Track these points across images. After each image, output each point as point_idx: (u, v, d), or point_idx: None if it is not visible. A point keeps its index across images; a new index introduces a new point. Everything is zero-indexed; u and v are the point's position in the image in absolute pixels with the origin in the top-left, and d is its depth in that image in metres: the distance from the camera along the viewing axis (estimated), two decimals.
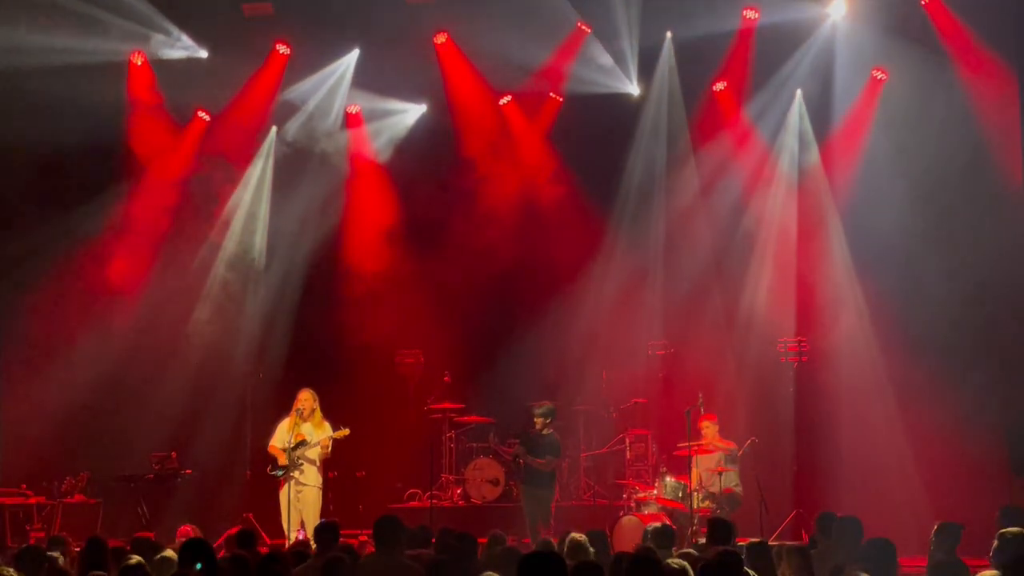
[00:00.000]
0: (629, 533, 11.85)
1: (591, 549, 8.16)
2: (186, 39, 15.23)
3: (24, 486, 14.55)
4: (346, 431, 13.10)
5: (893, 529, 8.17)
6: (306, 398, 13.23)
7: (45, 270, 15.42)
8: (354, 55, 15.91)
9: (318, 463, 13.13)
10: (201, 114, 16.10)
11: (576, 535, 8.41)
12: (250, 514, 14.23)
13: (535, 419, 13.26)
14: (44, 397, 14.83)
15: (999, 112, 13.97)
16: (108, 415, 15.56)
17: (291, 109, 16.27)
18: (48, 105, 14.37)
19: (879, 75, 14.83)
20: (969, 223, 14.09)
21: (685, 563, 6.79)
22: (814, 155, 15.36)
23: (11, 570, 7.48)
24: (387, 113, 16.52)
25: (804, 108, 15.43)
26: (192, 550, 6.98)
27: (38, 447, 14.74)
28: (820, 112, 15.38)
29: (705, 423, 13.44)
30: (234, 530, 10.34)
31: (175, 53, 15.27)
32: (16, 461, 14.77)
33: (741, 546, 8.08)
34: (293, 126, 16.33)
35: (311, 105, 16.19)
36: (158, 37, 15.09)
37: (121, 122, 15.52)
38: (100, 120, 14.92)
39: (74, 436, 15.35)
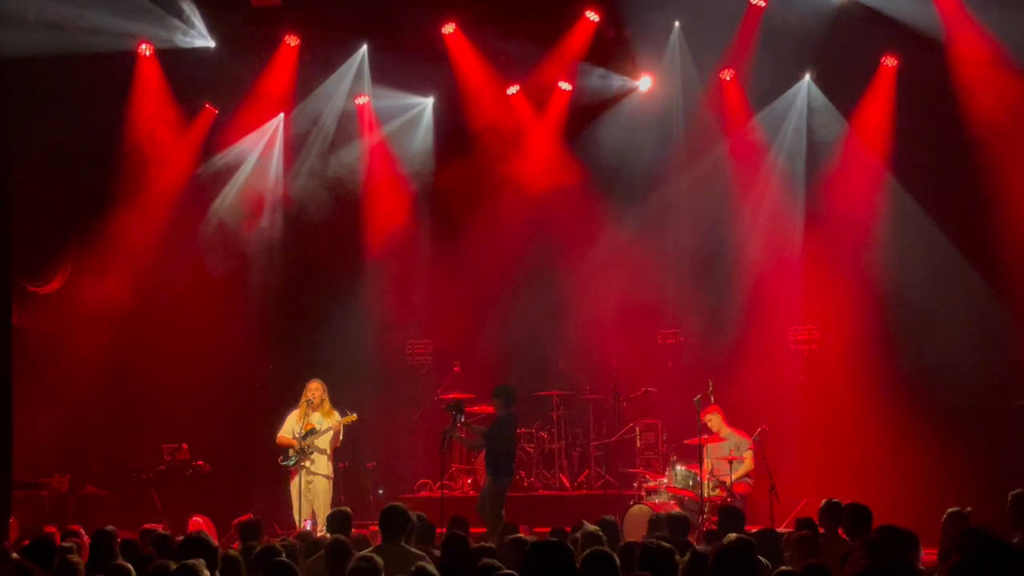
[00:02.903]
0: (639, 521, 11.84)
1: (604, 538, 8.13)
2: (200, 25, 15.17)
3: (36, 478, 14.61)
4: (353, 416, 13.11)
5: (903, 517, 8.12)
6: (316, 388, 13.25)
7: (53, 260, 15.45)
8: (363, 50, 15.90)
9: (329, 452, 13.16)
10: (209, 107, 16.09)
11: (590, 526, 8.40)
12: (260, 504, 14.26)
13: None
14: (55, 389, 14.86)
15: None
16: (119, 407, 15.61)
17: (302, 116, 16.29)
18: (55, 95, 14.38)
19: (890, 62, 14.78)
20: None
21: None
22: (833, 135, 15.29)
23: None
24: (403, 109, 16.49)
25: (817, 90, 15.39)
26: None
27: (50, 439, 14.77)
28: (829, 100, 15.33)
29: (709, 416, 13.36)
30: (244, 518, 10.38)
31: (185, 41, 15.21)
32: (28, 453, 14.80)
33: (751, 534, 8.07)
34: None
35: (327, 116, 16.20)
36: (172, 21, 15.02)
37: (128, 115, 15.50)
38: (106, 114, 14.96)
39: (86, 428, 15.40)
